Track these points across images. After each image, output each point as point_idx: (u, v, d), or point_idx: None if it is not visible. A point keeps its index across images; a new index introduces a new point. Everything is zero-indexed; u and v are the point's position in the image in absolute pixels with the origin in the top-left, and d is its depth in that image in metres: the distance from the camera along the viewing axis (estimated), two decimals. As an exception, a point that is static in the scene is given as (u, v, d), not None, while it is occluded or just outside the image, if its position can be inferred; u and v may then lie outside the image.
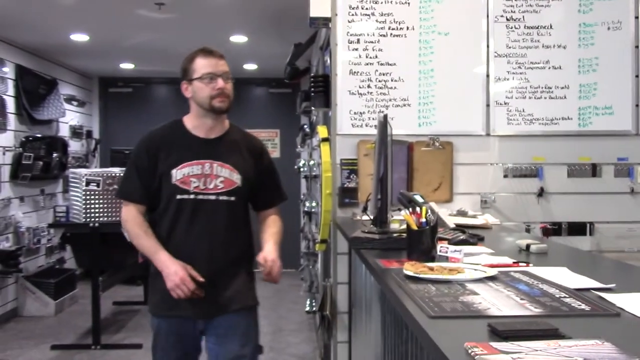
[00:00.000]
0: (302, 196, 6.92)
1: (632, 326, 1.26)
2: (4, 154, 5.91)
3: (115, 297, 6.60)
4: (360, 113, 3.52)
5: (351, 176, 3.50)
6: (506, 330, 1.13)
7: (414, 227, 1.95)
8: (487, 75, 3.57)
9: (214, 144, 2.45)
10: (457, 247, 1.94)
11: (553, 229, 3.57)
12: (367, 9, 3.53)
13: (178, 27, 5.67)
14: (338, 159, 3.51)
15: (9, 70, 6.10)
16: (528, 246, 2.20)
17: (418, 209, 1.98)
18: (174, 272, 2.31)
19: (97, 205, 5.00)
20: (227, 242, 2.44)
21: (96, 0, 4.91)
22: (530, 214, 3.58)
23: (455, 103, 3.55)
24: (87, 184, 5.00)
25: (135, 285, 6.98)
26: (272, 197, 2.61)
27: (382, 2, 3.53)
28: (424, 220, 1.95)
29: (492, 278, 1.64)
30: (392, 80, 3.53)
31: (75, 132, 7.66)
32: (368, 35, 3.52)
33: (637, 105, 3.58)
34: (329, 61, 3.81)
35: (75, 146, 7.63)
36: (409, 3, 3.54)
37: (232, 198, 2.43)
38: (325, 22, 3.58)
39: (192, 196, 2.38)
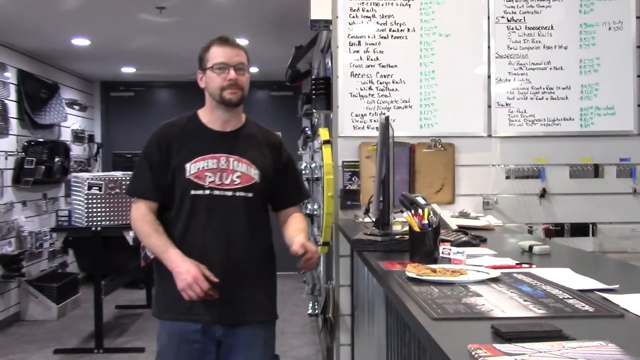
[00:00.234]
0: (300, 203, 6.90)
1: (636, 327, 1.25)
2: (6, 158, 5.92)
3: (118, 301, 6.60)
4: (362, 115, 3.52)
5: (353, 178, 3.50)
6: (509, 332, 1.12)
7: (416, 229, 1.95)
8: (489, 77, 3.57)
9: (230, 138, 2.32)
10: (459, 248, 1.93)
11: (555, 230, 3.56)
12: (367, 11, 3.53)
13: (179, 30, 5.68)
14: (340, 162, 3.51)
15: (10, 75, 6.11)
16: (531, 247, 2.19)
17: (420, 210, 1.98)
18: (186, 271, 2.13)
19: (99, 209, 5.01)
20: (245, 242, 2.28)
21: (97, 4, 4.91)
22: (533, 215, 3.57)
23: (457, 104, 3.55)
24: (89, 188, 5.00)
25: (138, 288, 6.98)
26: (292, 194, 2.45)
27: (382, 4, 3.53)
28: (426, 222, 1.94)
29: (495, 279, 1.64)
30: (393, 82, 3.53)
31: (77, 136, 7.67)
32: (369, 37, 3.52)
33: (638, 105, 3.57)
34: (330, 63, 3.81)
35: (77, 150, 7.64)
36: (409, 5, 3.54)
37: (250, 194, 2.28)
38: (326, 24, 3.58)
39: (207, 192, 2.23)
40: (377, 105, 3.52)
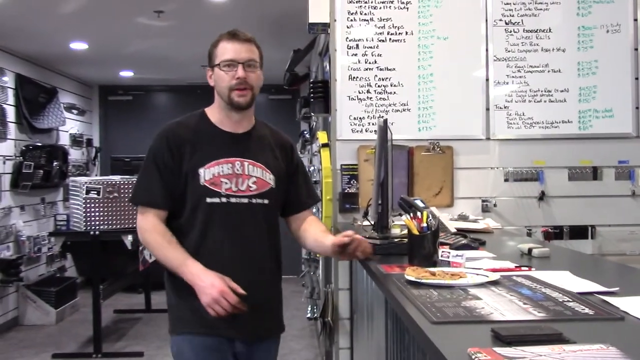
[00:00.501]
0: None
1: (636, 330, 1.24)
2: (4, 163, 5.91)
3: (116, 305, 6.58)
4: (360, 118, 3.51)
5: (351, 181, 3.49)
6: (510, 336, 1.12)
7: (415, 232, 1.94)
8: (487, 79, 3.57)
9: (243, 140, 2.15)
10: (458, 251, 1.93)
11: (554, 233, 3.56)
12: (365, 14, 3.53)
13: (177, 34, 5.69)
14: (338, 165, 3.50)
15: (8, 80, 6.11)
16: (530, 250, 2.19)
17: (419, 213, 1.97)
18: (210, 285, 1.94)
19: (97, 213, 5.00)
20: (263, 252, 2.15)
21: (95, 8, 4.91)
22: (532, 218, 3.57)
23: (455, 107, 3.55)
24: (88, 192, 5.00)
25: (137, 293, 6.97)
26: (306, 198, 2.31)
27: (380, 7, 3.53)
28: (425, 225, 1.94)
29: (494, 283, 1.63)
30: (391, 85, 3.53)
31: (76, 141, 7.67)
32: (367, 40, 3.52)
33: (637, 108, 3.57)
34: (328, 67, 3.81)
35: (75, 154, 7.63)
36: (407, 8, 3.54)
37: (266, 201, 2.13)
38: (324, 27, 3.58)
39: (223, 199, 2.06)
40: (375, 109, 3.51)
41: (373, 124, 3.45)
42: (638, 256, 3.53)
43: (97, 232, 4.98)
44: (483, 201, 3.54)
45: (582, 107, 3.58)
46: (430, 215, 1.96)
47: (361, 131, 3.51)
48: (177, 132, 2.11)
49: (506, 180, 3.57)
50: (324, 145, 3.57)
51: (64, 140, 7.34)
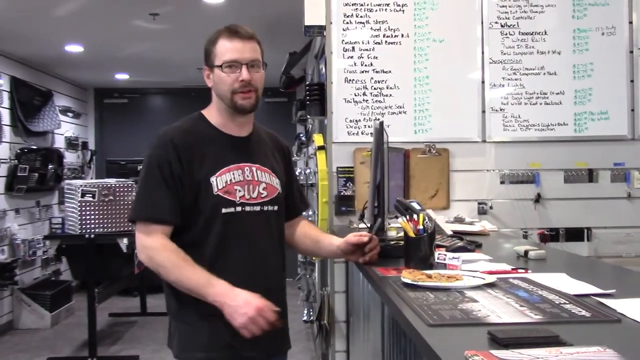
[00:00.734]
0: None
1: (633, 332, 1.24)
2: (-1, 166, 5.89)
3: (112, 309, 6.56)
4: (356, 121, 3.51)
5: (348, 184, 3.49)
6: (506, 338, 1.11)
7: (412, 235, 1.94)
8: (483, 82, 3.57)
9: (248, 144, 2.02)
10: (455, 254, 1.92)
11: (550, 235, 3.56)
12: (361, 17, 3.53)
13: (173, 37, 5.68)
14: (334, 167, 3.50)
15: (3, 82, 6.08)
16: (526, 252, 2.19)
17: (415, 216, 1.97)
18: (245, 303, 1.75)
19: (92, 217, 4.98)
20: (277, 264, 2.03)
21: (91, 11, 4.90)
22: (528, 220, 3.57)
23: (451, 110, 3.55)
24: (83, 195, 4.98)
25: (132, 296, 6.95)
26: (301, 203, 2.22)
27: (376, 10, 3.53)
28: (421, 227, 1.94)
29: (491, 285, 1.63)
30: (387, 88, 3.53)
31: (71, 144, 7.64)
32: (363, 43, 3.52)
33: (632, 110, 3.58)
34: (324, 69, 3.81)
35: (70, 157, 7.61)
36: (403, 10, 3.54)
37: (276, 207, 2.01)
38: (320, 30, 3.58)
39: (238, 208, 1.91)
40: (371, 111, 3.51)
41: (369, 127, 3.45)
42: (634, 258, 3.54)
43: (92, 235, 4.96)
44: (479, 203, 3.54)
45: (577, 110, 3.59)
46: (426, 218, 1.96)
47: (357, 134, 3.51)
48: (183, 138, 1.91)
49: (502, 182, 3.57)
50: (320, 148, 3.56)
51: (59, 143, 7.32)
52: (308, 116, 4.10)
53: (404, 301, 1.50)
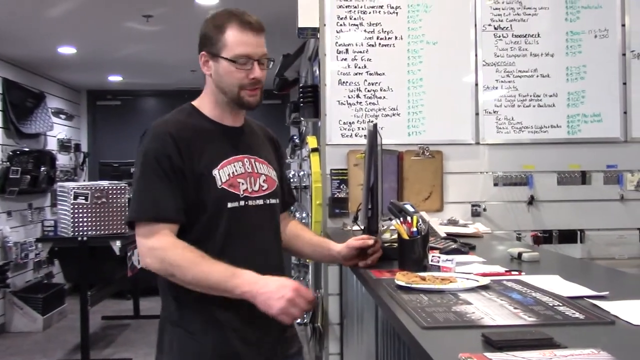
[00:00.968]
0: (292, 207, 6.90)
1: (627, 334, 1.24)
2: (-10, 168, 5.86)
3: (105, 312, 6.53)
4: (350, 123, 3.51)
5: (341, 186, 3.49)
6: (500, 340, 1.11)
7: (405, 237, 1.94)
8: (476, 84, 3.58)
9: (244, 135, 1.91)
10: (448, 256, 1.92)
11: (544, 237, 3.57)
12: (355, 19, 3.53)
13: (166, 39, 5.66)
14: (328, 169, 3.49)
15: (-5, 84, 6.07)
16: (520, 254, 2.18)
17: (409, 218, 1.96)
18: (280, 286, 1.62)
19: (85, 219, 4.95)
20: (279, 261, 1.92)
21: (83, 13, 4.89)
22: (521, 222, 3.58)
23: (445, 112, 3.55)
24: (75, 197, 4.95)
25: (125, 299, 6.92)
26: (288, 197, 2.10)
27: (370, 12, 3.53)
28: (415, 229, 1.93)
29: (484, 287, 1.63)
30: (381, 90, 3.53)
31: (64, 146, 7.61)
32: (356, 45, 3.52)
33: (625, 113, 3.59)
34: (317, 71, 3.80)
35: (63, 160, 7.58)
36: (397, 13, 3.55)
37: (276, 200, 1.91)
38: (314, 32, 3.58)
39: (242, 202, 1.79)
40: (365, 113, 3.51)
41: (363, 129, 3.45)
42: (627, 260, 3.55)
43: (85, 238, 4.93)
44: (473, 206, 3.55)
45: (570, 112, 3.60)
46: (420, 220, 1.96)
47: (351, 136, 3.50)
48: (179, 130, 1.77)
49: (495, 184, 3.58)
50: (314, 150, 3.56)
51: (52, 145, 7.29)
52: (302, 118, 4.10)
53: (397, 304, 1.49)
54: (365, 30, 3.53)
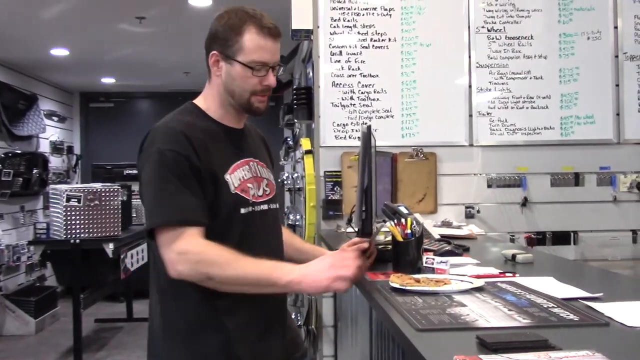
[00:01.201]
0: (285, 209, 6.88)
1: (622, 336, 1.24)
2: (-18, 170, 5.83)
3: (98, 315, 6.50)
4: (344, 125, 3.51)
5: (335, 188, 3.48)
6: (495, 342, 1.11)
7: (400, 239, 1.93)
8: (470, 86, 3.58)
9: (245, 137, 1.83)
10: (443, 258, 1.92)
11: (537, 239, 3.57)
12: (349, 21, 3.53)
13: (159, 40, 5.65)
14: (322, 171, 3.49)
15: (-13, 86, 6.04)
16: (514, 256, 2.19)
17: (403, 220, 1.96)
18: (317, 262, 1.59)
19: (78, 222, 4.93)
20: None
21: (76, 14, 4.87)
22: (514, 223, 3.58)
23: (438, 114, 3.55)
24: (68, 200, 4.93)
25: (118, 302, 6.89)
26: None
27: (363, 14, 3.53)
28: (409, 231, 1.93)
29: (479, 289, 1.63)
30: (374, 92, 3.53)
31: (56, 148, 7.58)
32: (350, 47, 3.52)
33: (617, 114, 3.61)
34: (311, 73, 3.80)
35: (55, 162, 7.55)
36: (390, 15, 3.55)
37: (277, 205, 1.87)
38: (307, 34, 3.57)
39: (250, 208, 1.73)
40: (358, 115, 3.51)
41: (356, 131, 3.45)
42: (619, 261, 3.56)
43: (77, 241, 4.91)
44: (466, 207, 3.55)
45: (563, 114, 3.61)
46: (414, 222, 1.95)
47: (345, 138, 3.50)
48: (192, 131, 1.66)
49: (489, 186, 3.58)
50: (308, 152, 3.55)
51: (44, 147, 7.26)
52: (295, 120, 4.10)
53: (392, 306, 1.49)
54: (358, 32, 3.53)
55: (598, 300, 1.49)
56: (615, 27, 3.61)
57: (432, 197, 3.52)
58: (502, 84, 3.59)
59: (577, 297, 1.52)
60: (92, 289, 5.41)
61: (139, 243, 5.55)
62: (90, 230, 4.96)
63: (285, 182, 6.02)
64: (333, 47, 3.51)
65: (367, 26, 3.53)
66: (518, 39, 3.60)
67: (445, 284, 1.65)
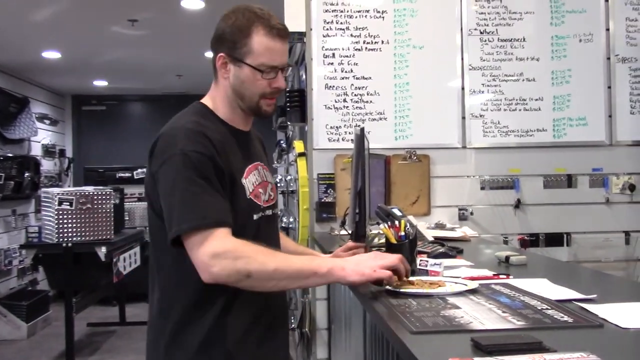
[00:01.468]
0: (279, 212, 6.88)
1: (616, 337, 1.24)
2: (-27, 174, 5.79)
3: (90, 319, 6.46)
4: (337, 127, 3.50)
5: (328, 191, 3.48)
6: (490, 345, 1.10)
7: (393, 241, 1.93)
8: (462, 88, 3.59)
9: (251, 140, 1.79)
10: (436, 260, 1.92)
11: (530, 241, 3.58)
12: (341, 23, 3.53)
13: (152, 43, 5.63)
14: (315, 174, 3.49)
15: (-22, 89, 6.00)
16: (507, 258, 2.19)
17: (397, 222, 1.96)
18: (357, 256, 1.63)
19: (70, 225, 4.90)
20: None
21: (68, 17, 4.85)
22: (508, 225, 3.59)
23: (431, 116, 3.56)
24: (60, 203, 4.90)
25: (111, 305, 6.86)
26: None
27: (356, 17, 3.53)
28: (402, 233, 1.92)
29: (473, 291, 1.62)
30: (367, 94, 3.53)
31: (48, 151, 7.55)
32: (343, 49, 3.52)
33: (609, 116, 3.62)
34: (304, 76, 3.80)
35: (47, 165, 7.51)
36: (383, 17, 3.55)
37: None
38: (300, 37, 3.57)
39: (260, 213, 1.69)
40: (351, 117, 3.51)
41: (350, 133, 3.45)
42: (612, 263, 3.57)
43: (69, 244, 4.88)
44: (460, 209, 3.55)
45: (556, 116, 3.62)
46: (408, 224, 1.95)
47: (338, 140, 3.50)
48: (211, 132, 1.60)
49: (482, 188, 3.59)
50: (301, 155, 3.55)
51: (36, 150, 7.22)
52: (288, 123, 4.08)
53: (386, 308, 1.48)
54: (351, 35, 3.53)
55: (592, 301, 1.48)
56: (607, 30, 3.63)
57: (425, 199, 3.52)
58: (495, 86, 3.59)
59: (571, 299, 1.52)
60: (84, 293, 5.39)
61: (132, 246, 5.53)
62: (83, 233, 4.93)
63: (279, 185, 6.01)
64: (326, 49, 3.51)
65: (360, 29, 3.53)
66: (510, 41, 3.61)
67: (439, 286, 1.64)
